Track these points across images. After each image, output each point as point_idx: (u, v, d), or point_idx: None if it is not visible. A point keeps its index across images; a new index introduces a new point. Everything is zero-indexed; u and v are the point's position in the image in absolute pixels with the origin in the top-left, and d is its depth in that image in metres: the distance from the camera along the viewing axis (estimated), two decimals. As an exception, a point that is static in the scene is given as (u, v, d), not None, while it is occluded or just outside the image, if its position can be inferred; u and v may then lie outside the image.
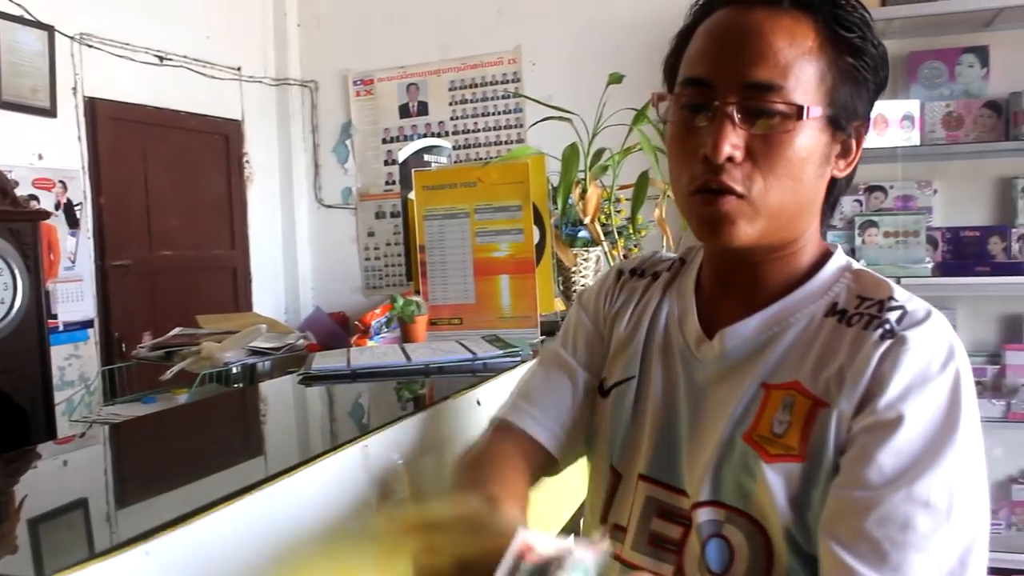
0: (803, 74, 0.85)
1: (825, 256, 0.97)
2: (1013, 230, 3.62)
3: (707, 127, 0.86)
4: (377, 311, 2.97)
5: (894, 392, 0.82)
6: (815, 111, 0.86)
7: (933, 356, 0.84)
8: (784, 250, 0.94)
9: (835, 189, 0.96)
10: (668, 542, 0.95)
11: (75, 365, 3.81)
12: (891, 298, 0.89)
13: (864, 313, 0.89)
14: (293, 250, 5.03)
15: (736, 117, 0.85)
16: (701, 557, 0.90)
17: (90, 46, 3.87)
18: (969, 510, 0.79)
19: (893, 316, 0.87)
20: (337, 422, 1.37)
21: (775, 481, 0.85)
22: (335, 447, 1.01)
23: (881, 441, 0.80)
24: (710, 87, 0.87)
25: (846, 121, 0.90)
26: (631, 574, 0.94)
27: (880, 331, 0.86)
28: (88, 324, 3.90)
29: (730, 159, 0.85)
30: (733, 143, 0.85)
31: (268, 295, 4.92)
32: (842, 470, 0.83)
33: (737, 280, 0.98)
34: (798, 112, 0.84)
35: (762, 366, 0.91)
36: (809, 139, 0.87)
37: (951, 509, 0.78)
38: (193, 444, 1.26)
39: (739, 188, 0.86)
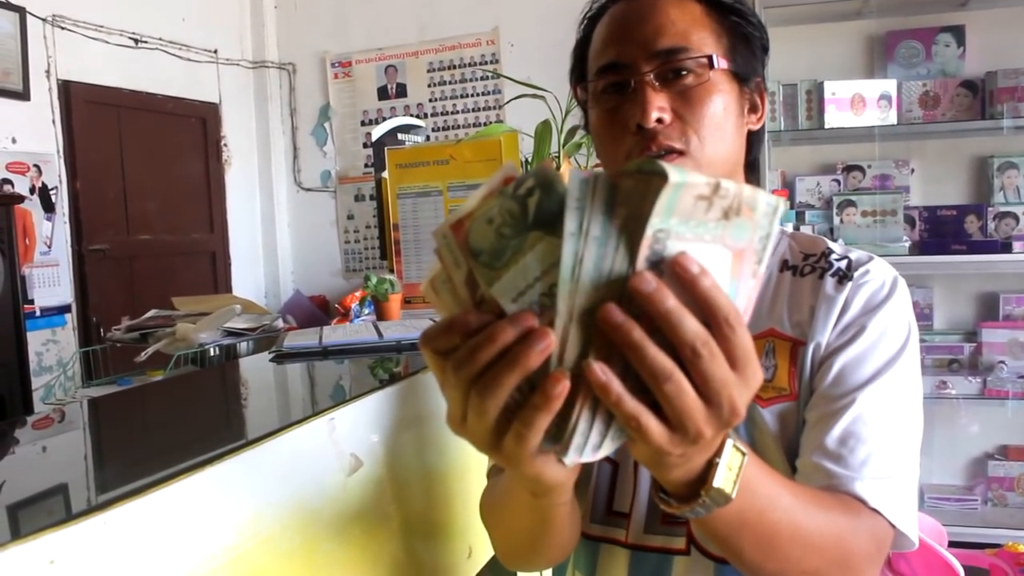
0: (701, 35, 0.93)
1: None
2: (989, 208, 3.64)
3: (631, 99, 0.92)
4: (357, 293, 2.97)
5: (854, 313, 0.92)
6: (722, 63, 0.93)
7: (884, 283, 0.94)
8: None
9: (752, 146, 1.03)
10: (679, 516, 0.96)
11: (53, 350, 3.79)
12: (830, 250, 0.99)
13: (813, 266, 0.98)
14: (273, 233, 5.01)
15: (655, 83, 0.91)
16: None
17: (63, 28, 3.83)
18: (915, 414, 0.91)
19: (842, 264, 0.96)
20: (304, 397, 1.37)
21: (773, 424, 0.91)
22: (300, 420, 1.01)
23: (844, 355, 0.90)
24: (624, 67, 0.93)
25: (748, 77, 0.98)
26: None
27: (835, 277, 0.95)
28: (65, 309, 3.88)
29: (660, 121, 0.90)
30: (659, 105, 0.90)
31: (248, 279, 4.91)
32: (814, 392, 0.91)
33: None
34: (709, 62, 0.92)
35: None
36: (723, 91, 0.94)
37: (903, 410, 0.89)
38: (156, 419, 1.26)
39: (679, 145, 0.91)
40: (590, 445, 0.56)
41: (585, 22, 1.03)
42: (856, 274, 0.94)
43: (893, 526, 0.83)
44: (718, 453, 0.62)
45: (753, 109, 1.00)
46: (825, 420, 0.87)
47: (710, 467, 0.62)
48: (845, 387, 0.88)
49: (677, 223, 0.50)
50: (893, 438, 0.87)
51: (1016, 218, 3.62)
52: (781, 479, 0.75)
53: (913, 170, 3.80)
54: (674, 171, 0.47)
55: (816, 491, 0.82)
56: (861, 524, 0.81)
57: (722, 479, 0.63)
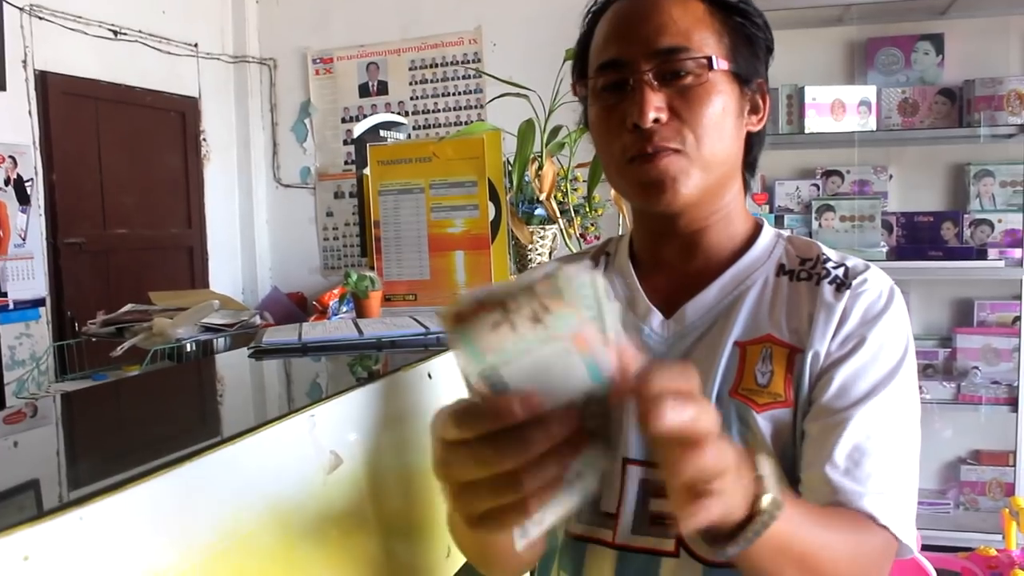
0: (703, 35, 0.93)
1: (757, 228, 1.05)
2: (965, 215, 3.68)
3: (629, 97, 0.92)
4: (336, 291, 2.95)
5: (853, 324, 0.92)
6: (722, 64, 0.93)
7: (881, 294, 0.94)
8: (716, 212, 1.00)
9: (752, 147, 1.03)
10: (668, 517, 0.95)
11: (26, 344, 3.75)
12: (825, 256, 0.99)
13: (809, 271, 0.98)
14: (251, 230, 4.98)
15: (654, 83, 0.91)
16: None
17: (41, 18, 3.78)
18: (914, 424, 0.92)
19: (840, 271, 0.96)
20: (283, 393, 1.36)
21: (767, 430, 0.91)
22: (280, 416, 1.00)
23: (845, 368, 0.90)
24: (624, 64, 0.93)
25: (750, 78, 0.98)
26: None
27: (833, 285, 0.95)
28: (40, 303, 3.83)
29: (656, 120, 0.90)
30: (656, 105, 0.90)
31: (225, 275, 4.87)
32: (815, 403, 0.90)
33: (677, 253, 1.02)
34: (708, 63, 0.92)
35: (732, 327, 0.96)
36: (722, 92, 0.93)
37: (903, 422, 0.90)
38: (132, 415, 1.24)
39: (673, 144, 0.91)
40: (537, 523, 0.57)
41: (588, 17, 1.02)
42: (854, 283, 0.94)
43: (898, 539, 0.85)
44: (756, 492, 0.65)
45: (754, 110, 1.00)
46: (828, 434, 0.87)
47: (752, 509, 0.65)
48: (847, 400, 0.88)
49: (495, 358, 0.50)
50: (895, 451, 0.88)
51: (991, 225, 3.66)
52: (807, 506, 0.77)
53: (891, 176, 3.83)
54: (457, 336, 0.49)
55: (831, 511, 0.84)
56: (871, 539, 0.83)
57: (768, 501, 0.65)
